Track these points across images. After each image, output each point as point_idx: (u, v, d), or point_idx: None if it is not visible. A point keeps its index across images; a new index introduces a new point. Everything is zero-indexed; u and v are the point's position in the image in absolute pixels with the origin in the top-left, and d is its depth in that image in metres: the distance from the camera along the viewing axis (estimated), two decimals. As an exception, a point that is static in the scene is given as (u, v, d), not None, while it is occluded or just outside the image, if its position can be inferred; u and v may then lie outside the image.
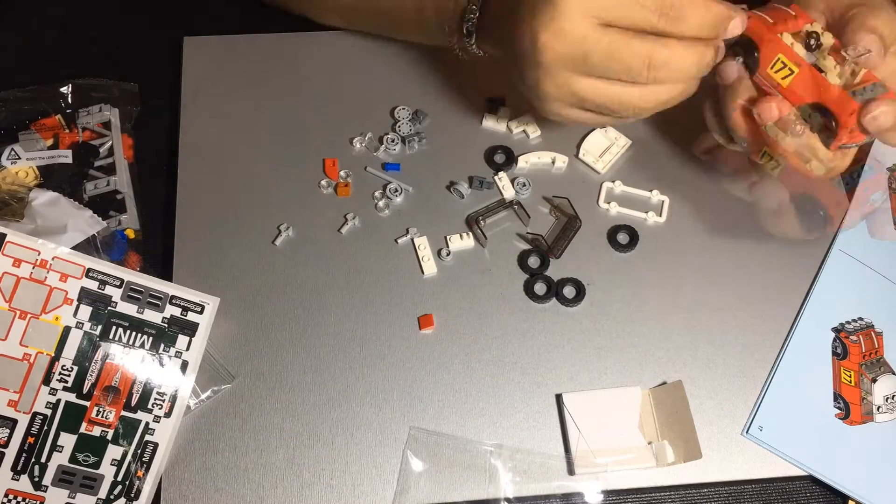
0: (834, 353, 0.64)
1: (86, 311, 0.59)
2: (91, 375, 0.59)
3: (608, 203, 0.69)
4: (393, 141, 0.71)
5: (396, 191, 0.69)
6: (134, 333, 0.60)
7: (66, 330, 0.59)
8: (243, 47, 0.75)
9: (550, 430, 0.62)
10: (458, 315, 0.65)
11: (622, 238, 0.68)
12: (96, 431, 0.59)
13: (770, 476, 0.61)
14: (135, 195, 0.69)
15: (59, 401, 0.58)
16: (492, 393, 0.63)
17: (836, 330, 0.65)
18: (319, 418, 0.62)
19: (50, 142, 0.70)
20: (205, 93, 0.73)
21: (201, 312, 0.62)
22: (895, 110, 0.54)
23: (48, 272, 0.59)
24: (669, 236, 0.69)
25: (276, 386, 0.63)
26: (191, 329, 0.62)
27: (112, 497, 0.59)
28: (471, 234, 0.68)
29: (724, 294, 0.67)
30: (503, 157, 0.71)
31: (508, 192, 0.70)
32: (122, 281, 0.60)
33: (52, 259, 0.59)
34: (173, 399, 0.60)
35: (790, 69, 0.56)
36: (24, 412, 0.58)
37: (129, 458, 0.59)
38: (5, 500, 0.57)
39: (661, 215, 0.69)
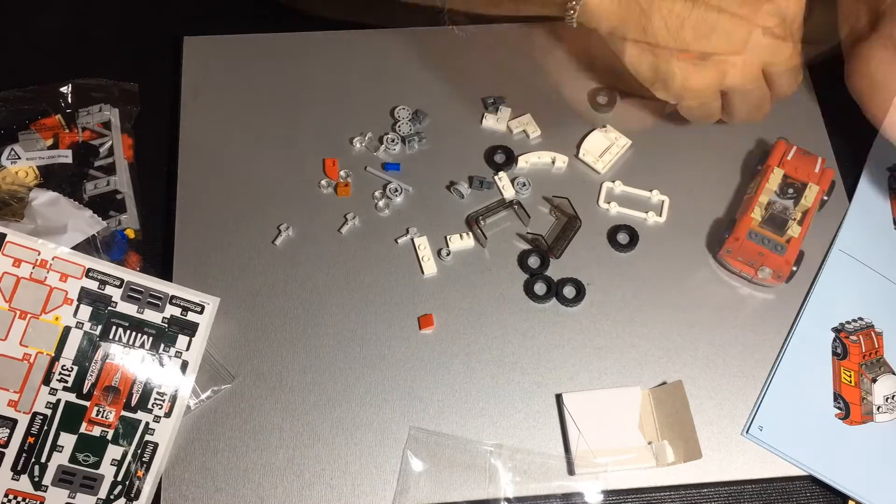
0: (834, 353, 0.64)
1: (86, 311, 0.59)
2: (91, 375, 0.59)
3: (608, 203, 0.69)
4: (393, 141, 0.71)
5: (396, 191, 0.69)
6: (134, 333, 0.60)
7: (66, 330, 0.59)
8: (243, 47, 0.75)
9: (550, 430, 0.62)
10: (458, 315, 0.65)
11: (622, 238, 0.68)
12: (96, 431, 0.59)
13: (770, 476, 0.61)
14: (135, 195, 0.69)
15: (59, 401, 0.58)
16: (492, 393, 0.63)
17: (836, 330, 0.65)
18: (319, 418, 0.62)
19: (50, 142, 0.70)
20: (205, 93, 0.73)
21: (201, 312, 0.62)
22: None
23: (48, 272, 0.59)
24: (669, 236, 0.69)
25: (276, 386, 0.63)
26: (191, 329, 0.62)
27: (112, 497, 0.59)
28: (471, 234, 0.68)
29: (725, 294, 0.67)
30: (503, 157, 0.71)
31: (508, 192, 0.70)
32: (122, 281, 0.60)
33: (52, 259, 0.59)
34: (173, 399, 0.60)
35: (752, 189, 0.68)
36: (24, 412, 0.58)
37: (129, 458, 0.59)
38: (5, 500, 0.57)
39: (661, 215, 0.69)
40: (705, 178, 0.71)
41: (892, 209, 0.71)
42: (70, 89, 0.72)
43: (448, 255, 0.67)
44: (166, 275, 0.65)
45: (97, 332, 0.59)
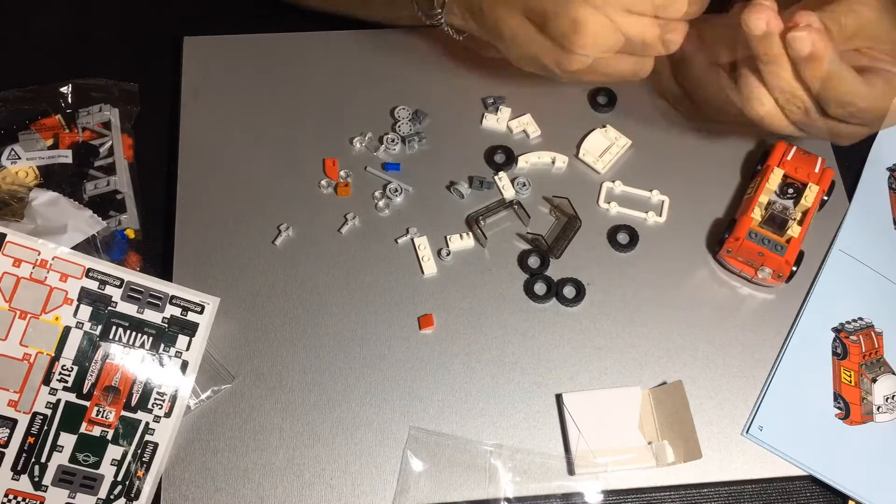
0: (834, 353, 0.64)
1: (86, 311, 0.59)
2: (91, 375, 0.59)
3: (608, 203, 0.69)
4: (393, 141, 0.71)
5: (396, 191, 0.69)
6: (134, 333, 0.60)
7: (66, 330, 0.59)
8: (243, 47, 0.75)
9: (550, 430, 0.62)
10: (458, 315, 0.65)
11: (622, 238, 0.68)
12: (96, 431, 0.59)
13: (770, 476, 0.61)
14: (135, 195, 0.69)
15: (59, 401, 0.58)
16: (492, 393, 0.63)
17: (836, 330, 0.65)
18: (319, 418, 0.62)
19: (50, 142, 0.70)
20: (205, 93, 0.73)
21: (201, 312, 0.62)
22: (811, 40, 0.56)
23: (48, 272, 0.59)
24: (669, 236, 0.69)
25: (276, 386, 0.63)
26: (191, 329, 0.62)
27: (112, 497, 0.59)
28: (471, 234, 0.68)
29: (725, 294, 0.67)
30: (503, 157, 0.71)
31: (508, 192, 0.70)
32: (122, 281, 0.60)
33: (52, 259, 0.59)
34: (173, 399, 0.60)
35: (752, 189, 0.68)
36: (24, 412, 0.58)
37: (129, 458, 0.59)
38: (5, 500, 0.57)
39: (661, 215, 0.69)
40: (705, 178, 0.71)
41: (892, 209, 0.71)
42: (70, 89, 0.72)
43: (448, 255, 0.67)
44: (166, 275, 0.65)
45: (97, 332, 0.59)
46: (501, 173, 0.70)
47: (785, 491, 0.61)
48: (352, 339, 0.64)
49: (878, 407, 0.63)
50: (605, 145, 0.71)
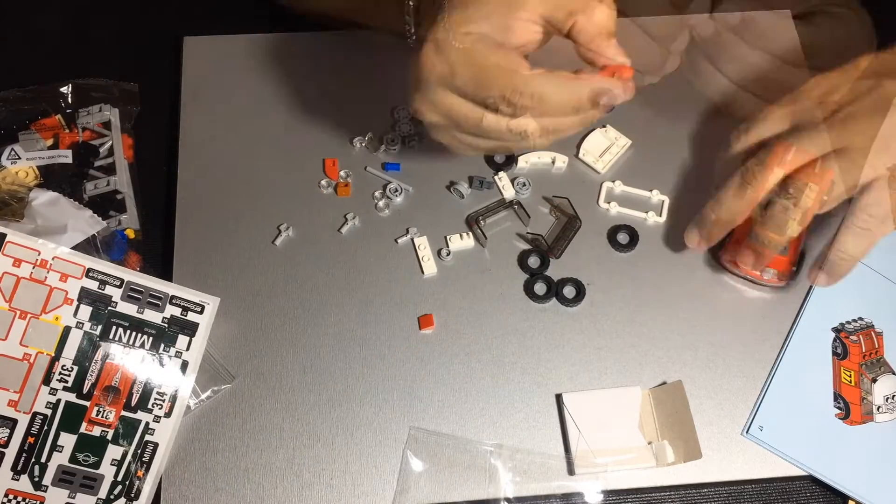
0: (834, 353, 0.64)
1: (86, 311, 0.59)
2: (91, 375, 0.59)
3: (608, 203, 0.69)
4: (393, 141, 0.71)
5: (396, 191, 0.69)
6: (134, 333, 0.60)
7: (66, 330, 0.59)
8: (243, 47, 0.75)
9: (550, 430, 0.62)
10: (458, 315, 0.65)
11: (622, 238, 0.68)
12: (96, 431, 0.59)
13: (770, 476, 0.61)
14: (135, 195, 0.69)
15: (59, 401, 0.58)
16: (492, 393, 0.63)
17: (836, 330, 0.65)
18: (319, 418, 0.62)
19: (50, 142, 0.70)
20: (205, 93, 0.73)
21: (201, 312, 0.62)
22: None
23: (48, 272, 0.59)
24: (669, 236, 0.69)
25: (276, 386, 0.63)
26: (191, 329, 0.62)
27: (112, 497, 0.59)
28: (471, 234, 0.68)
29: (725, 294, 0.67)
30: (503, 156, 0.71)
31: (508, 192, 0.70)
32: (122, 281, 0.60)
33: (52, 259, 0.59)
34: (173, 399, 0.60)
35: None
36: (24, 412, 0.58)
37: (129, 458, 0.59)
38: (5, 500, 0.57)
39: (661, 215, 0.69)
40: (705, 178, 0.71)
41: (892, 209, 0.70)
42: (70, 89, 0.72)
43: (448, 255, 0.67)
44: (166, 275, 0.65)
45: (97, 332, 0.59)
46: (501, 173, 0.70)
47: (785, 491, 0.61)
48: (352, 339, 0.64)
49: (878, 407, 0.63)
50: (605, 145, 0.71)
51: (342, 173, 0.70)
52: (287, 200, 0.69)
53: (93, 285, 0.60)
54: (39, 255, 0.59)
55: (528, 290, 0.66)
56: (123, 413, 0.59)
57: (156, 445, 0.60)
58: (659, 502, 0.61)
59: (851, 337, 0.65)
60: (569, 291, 0.66)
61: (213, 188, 0.69)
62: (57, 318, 0.59)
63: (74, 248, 0.61)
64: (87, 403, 0.59)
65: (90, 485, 0.58)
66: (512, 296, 0.66)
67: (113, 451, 0.59)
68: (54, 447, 0.58)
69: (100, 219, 0.66)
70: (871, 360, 0.64)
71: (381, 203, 0.69)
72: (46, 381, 0.58)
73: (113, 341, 0.60)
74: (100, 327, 0.59)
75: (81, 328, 0.59)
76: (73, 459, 0.58)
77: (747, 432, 0.62)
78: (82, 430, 0.59)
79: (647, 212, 0.69)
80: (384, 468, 0.60)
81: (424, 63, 0.54)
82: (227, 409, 0.62)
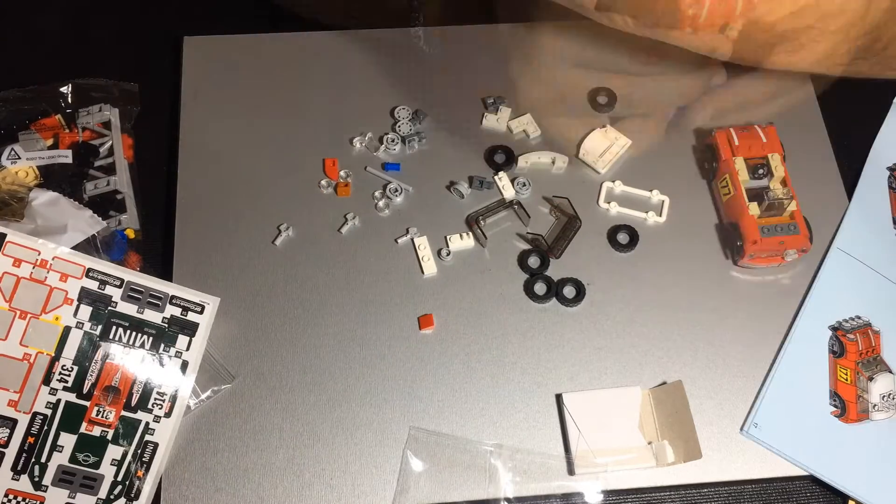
0: (831, 351, 0.65)
1: (86, 311, 0.59)
2: (91, 375, 0.59)
3: (608, 203, 0.69)
4: (393, 141, 0.71)
5: (396, 191, 0.69)
6: (134, 333, 0.60)
7: (66, 330, 0.59)
8: (243, 47, 0.75)
9: (550, 430, 0.62)
10: (458, 315, 0.65)
11: (622, 238, 0.68)
12: (96, 431, 0.59)
13: (770, 476, 0.61)
14: (135, 195, 0.69)
15: (59, 401, 0.58)
16: (492, 393, 0.63)
17: (833, 328, 0.65)
18: (319, 418, 0.62)
19: (50, 142, 0.70)
20: (205, 93, 0.73)
21: (201, 312, 0.62)
22: None
23: (48, 272, 0.59)
24: (669, 236, 0.69)
25: (276, 386, 0.63)
26: (191, 329, 0.62)
27: (112, 497, 0.59)
28: (471, 234, 0.68)
29: (724, 294, 0.67)
30: (503, 156, 0.71)
31: (508, 192, 0.70)
32: (122, 281, 0.60)
33: (52, 259, 0.59)
34: (173, 399, 0.61)
35: (729, 189, 0.67)
36: (24, 412, 0.58)
37: (129, 458, 0.59)
38: (5, 500, 0.57)
39: (661, 215, 0.69)
40: (705, 178, 0.71)
41: (892, 208, 0.71)
42: (70, 89, 0.72)
43: (448, 255, 0.67)
44: (166, 275, 0.65)
45: (97, 332, 0.59)
46: (501, 173, 0.70)
47: (785, 491, 0.61)
48: (352, 339, 0.64)
49: (875, 405, 0.63)
50: (605, 145, 0.71)
51: (342, 173, 0.70)
52: (287, 200, 0.69)
53: (93, 285, 0.60)
54: (39, 255, 0.59)
55: (528, 290, 0.66)
56: (123, 413, 0.59)
57: (156, 445, 0.60)
58: (659, 502, 0.61)
59: (849, 335, 0.65)
60: (569, 291, 0.66)
61: (213, 188, 0.69)
62: (57, 318, 0.59)
63: (74, 248, 0.61)
64: (87, 403, 0.59)
65: (90, 485, 0.58)
66: (512, 296, 0.66)
67: (113, 451, 0.59)
68: (54, 447, 0.58)
69: (100, 219, 0.66)
70: (867, 359, 0.64)
71: (381, 203, 0.69)
72: (46, 381, 0.58)
73: (113, 341, 0.60)
74: (100, 327, 0.59)
75: (81, 328, 0.59)
76: (73, 459, 0.58)
77: (744, 430, 0.62)
78: (82, 430, 0.59)
79: (647, 212, 0.69)
80: (384, 468, 0.60)
81: None
82: (227, 409, 0.62)
